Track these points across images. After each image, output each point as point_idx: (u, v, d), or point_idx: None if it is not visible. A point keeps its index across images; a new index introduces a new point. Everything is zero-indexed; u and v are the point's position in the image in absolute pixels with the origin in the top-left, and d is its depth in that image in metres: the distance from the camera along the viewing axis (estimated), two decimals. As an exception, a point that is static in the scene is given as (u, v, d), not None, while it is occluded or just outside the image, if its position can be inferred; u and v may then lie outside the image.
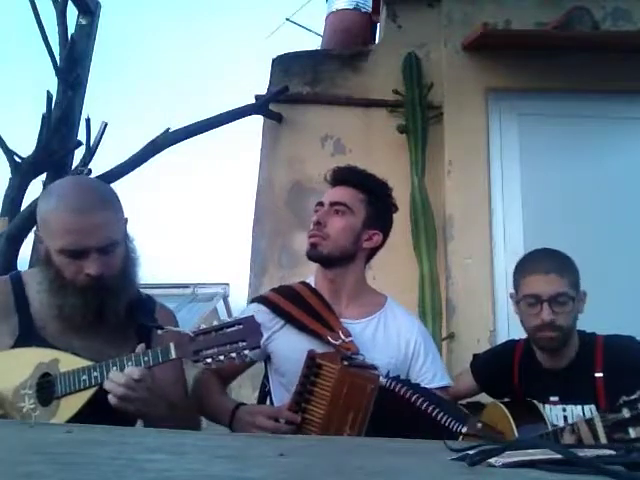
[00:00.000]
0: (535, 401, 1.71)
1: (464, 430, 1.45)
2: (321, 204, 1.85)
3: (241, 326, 1.42)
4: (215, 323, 1.43)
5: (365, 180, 1.87)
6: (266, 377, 1.84)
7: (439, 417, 1.48)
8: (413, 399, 1.50)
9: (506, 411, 1.64)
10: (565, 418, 1.72)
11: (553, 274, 1.72)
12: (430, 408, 1.49)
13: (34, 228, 1.57)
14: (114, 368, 1.40)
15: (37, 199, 3.08)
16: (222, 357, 1.39)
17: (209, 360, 1.40)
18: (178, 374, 1.62)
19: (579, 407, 1.72)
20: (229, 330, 1.41)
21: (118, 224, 1.53)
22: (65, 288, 1.48)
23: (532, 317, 1.74)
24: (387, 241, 1.88)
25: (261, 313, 1.79)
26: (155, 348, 1.42)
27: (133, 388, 1.37)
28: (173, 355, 1.40)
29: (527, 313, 1.76)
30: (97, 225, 1.46)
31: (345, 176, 1.88)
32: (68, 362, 1.44)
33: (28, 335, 1.50)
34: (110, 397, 1.38)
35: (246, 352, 1.40)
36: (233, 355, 1.39)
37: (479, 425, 1.47)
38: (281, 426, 1.52)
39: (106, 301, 1.50)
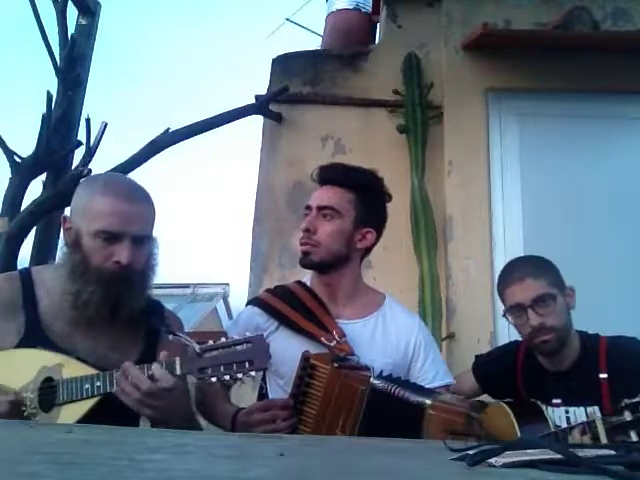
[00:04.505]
0: (538, 402, 1.71)
1: (428, 402, 1.45)
2: (309, 208, 1.78)
3: (250, 344, 1.38)
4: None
5: (352, 177, 1.79)
6: (263, 379, 1.82)
7: (407, 397, 1.47)
8: (402, 396, 1.49)
9: (508, 410, 1.64)
10: (568, 420, 1.71)
11: (528, 279, 1.74)
12: (400, 392, 1.48)
13: (64, 212, 1.56)
14: None
15: (38, 198, 3.12)
16: (227, 377, 1.36)
17: (214, 379, 1.36)
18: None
19: (582, 409, 1.71)
20: (237, 348, 1.37)
21: (153, 222, 1.57)
22: (88, 274, 1.47)
23: (523, 326, 1.76)
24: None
25: (256, 316, 1.78)
26: (160, 362, 1.39)
27: (158, 396, 1.34)
28: (178, 371, 1.37)
29: (517, 323, 1.78)
30: (140, 214, 1.51)
31: (331, 175, 1.80)
32: (72, 368, 1.42)
33: (33, 334, 1.48)
34: (126, 398, 1.34)
35: (252, 374, 1.37)
36: (239, 376, 1.36)
37: (449, 396, 1.49)
38: (277, 414, 1.52)
39: (125, 295, 1.49)
